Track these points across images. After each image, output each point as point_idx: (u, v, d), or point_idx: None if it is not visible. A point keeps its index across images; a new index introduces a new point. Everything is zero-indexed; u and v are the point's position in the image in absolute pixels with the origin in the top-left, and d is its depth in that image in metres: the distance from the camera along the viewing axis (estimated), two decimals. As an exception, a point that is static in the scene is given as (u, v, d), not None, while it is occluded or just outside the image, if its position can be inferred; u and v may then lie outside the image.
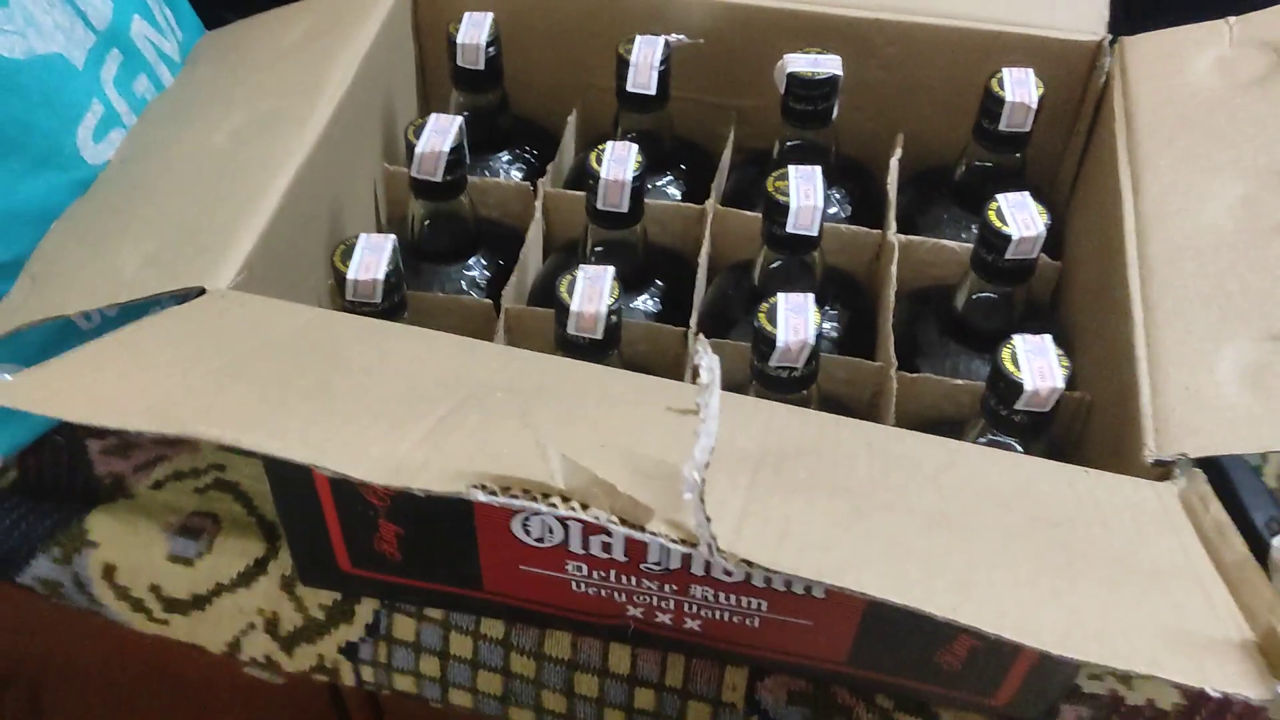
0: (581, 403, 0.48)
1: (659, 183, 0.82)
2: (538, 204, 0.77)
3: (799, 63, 0.72)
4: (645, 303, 0.74)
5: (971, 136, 0.73)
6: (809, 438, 0.48)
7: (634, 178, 0.67)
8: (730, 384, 0.58)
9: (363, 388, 0.49)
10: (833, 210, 0.80)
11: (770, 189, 0.66)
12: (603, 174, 0.67)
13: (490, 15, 0.77)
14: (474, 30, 0.76)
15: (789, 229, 0.65)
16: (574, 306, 0.59)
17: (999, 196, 0.64)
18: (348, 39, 0.76)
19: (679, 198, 0.82)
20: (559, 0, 0.82)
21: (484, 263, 0.75)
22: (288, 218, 0.65)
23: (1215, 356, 0.54)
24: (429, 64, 0.88)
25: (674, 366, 0.70)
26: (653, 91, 0.74)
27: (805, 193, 0.65)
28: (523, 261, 0.74)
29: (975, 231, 0.65)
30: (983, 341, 0.69)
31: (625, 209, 0.68)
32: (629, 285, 0.74)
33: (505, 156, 0.83)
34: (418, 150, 0.68)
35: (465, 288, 0.74)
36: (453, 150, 0.68)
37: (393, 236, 0.61)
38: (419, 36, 0.85)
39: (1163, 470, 0.50)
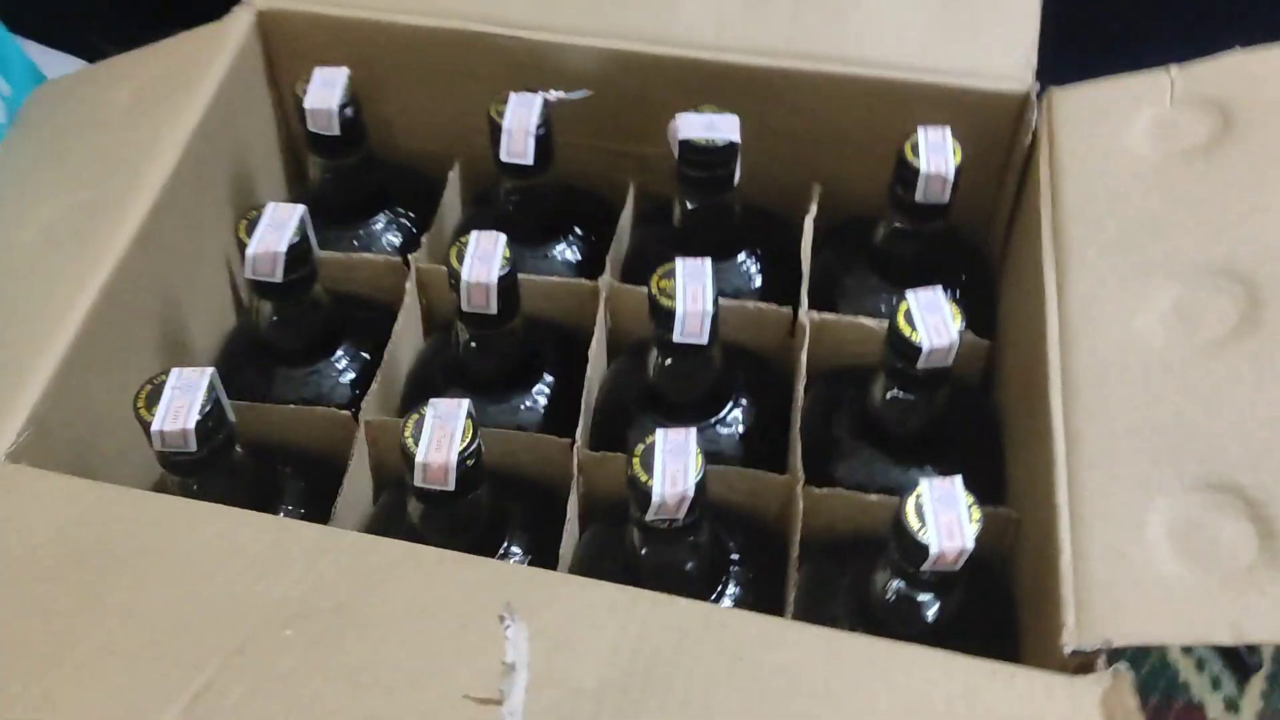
0: (383, 640, 0.40)
1: (551, 250, 0.74)
2: (409, 284, 0.69)
3: (692, 127, 0.64)
4: (527, 402, 0.66)
5: (888, 202, 0.65)
6: (667, 651, 0.41)
7: (501, 276, 0.59)
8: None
9: (113, 640, 0.40)
10: (742, 278, 0.72)
11: (654, 290, 0.58)
12: (464, 276, 0.59)
13: (344, 71, 0.68)
14: (325, 92, 0.67)
15: (675, 338, 0.57)
16: (419, 456, 0.51)
17: (909, 295, 0.56)
18: (179, 102, 0.66)
19: (575, 263, 0.74)
20: (431, 41, 0.73)
21: (348, 359, 0.67)
22: (97, 341, 0.56)
23: (1144, 510, 0.47)
24: (291, 118, 0.79)
25: (560, 479, 0.63)
26: (529, 161, 0.66)
27: (693, 295, 0.57)
28: (389, 359, 0.66)
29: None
30: (899, 447, 0.62)
31: (494, 310, 0.60)
32: (510, 381, 0.67)
33: (380, 221, 0.75)
34: (249, 252, 0.59)
35: (323, 392, 0.66)
36: (291, 248, 0.60)
37: (210, 370, 0.53)
38: (275, 87, 0.76)
39: (1083, 660, 0.44)
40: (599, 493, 0.64)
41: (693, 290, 0.58)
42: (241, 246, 0.60)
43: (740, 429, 0.65)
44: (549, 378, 0.68)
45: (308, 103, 0.66)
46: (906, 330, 0.55)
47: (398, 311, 0.68)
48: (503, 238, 0.60)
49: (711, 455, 0.59)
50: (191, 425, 0.51)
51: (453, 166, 0.76)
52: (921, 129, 0.62)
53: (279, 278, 0.60)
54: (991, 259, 0.73)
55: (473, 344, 0.64)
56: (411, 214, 0.76)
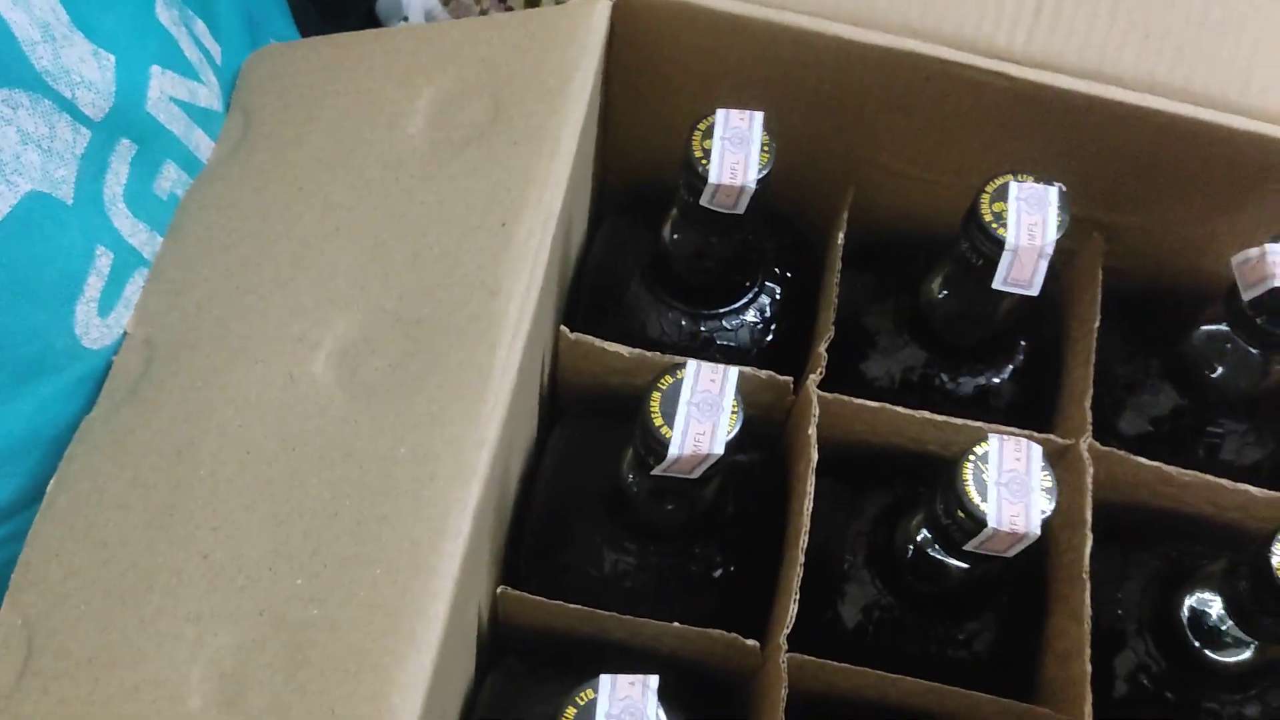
0: None
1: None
2: (813, 413, 0.49)
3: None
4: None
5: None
6: None
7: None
8: None
9: None
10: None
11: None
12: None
13: (759, 120, 0.45)
14: (737, 157, 0.45)
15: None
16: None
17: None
18: (539, 128, 0.44)
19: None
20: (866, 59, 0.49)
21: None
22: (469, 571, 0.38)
23: None
24: (610, 152, 0.56)
25: None
26: (1035, 291, 0.45)
27: None
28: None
29: None
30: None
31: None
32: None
33: (750, 313, 0.54)
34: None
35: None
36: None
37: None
38: (607, 98, 0.53)
39: None
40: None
41: None
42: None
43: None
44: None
45: (715, 175, 0.44)
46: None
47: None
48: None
49: None
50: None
51: (840, 224, 0.54)
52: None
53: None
54: None
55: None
56: (788, 276, 0.55)
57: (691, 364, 0.41)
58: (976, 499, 0.40)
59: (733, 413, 0.41)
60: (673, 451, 0.40)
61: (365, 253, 0.44)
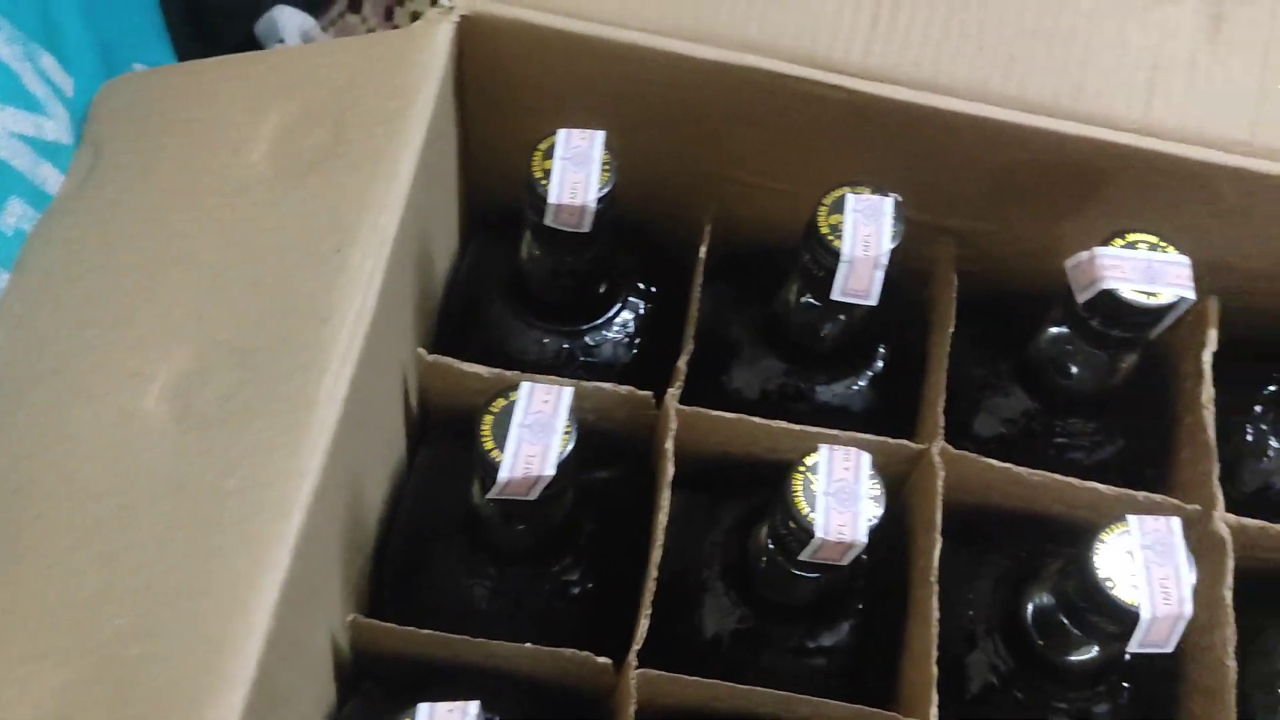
0: None
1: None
2: (670, 427, 0.49)
3: (1125, 275, 0.44)
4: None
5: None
6: None
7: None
8: None
9: None
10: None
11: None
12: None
13: (600, 139, 0.46)
14: (577, 176, 0.45)
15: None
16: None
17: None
18: (379, 152, 0.45)
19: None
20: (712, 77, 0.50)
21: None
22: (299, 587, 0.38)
23: None
24: (474, 172, 0.56)
25: None
26: (873, 300, 0.45)
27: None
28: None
29: None
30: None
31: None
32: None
33: (612, 329, 0.54)
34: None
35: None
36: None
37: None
38: (463, 120, 0.53)
39: None
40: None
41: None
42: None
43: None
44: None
45: (554, 195, 0.45)
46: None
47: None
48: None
49: None
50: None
51: (703, 238, 0.55)
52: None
53: (533, 495, 0.41)
54: None
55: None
56: (652, 291, 0.56)
57: (525, 385, 0.42)
58: (805, 509, 0.40)
59: (565, 433, 0.41)
60: (503, 475, 0.40)
61: (204, 283, 0.44)
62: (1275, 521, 0.49)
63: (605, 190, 0.46)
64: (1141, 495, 0.50)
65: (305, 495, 0.38)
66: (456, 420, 0.56)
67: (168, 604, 0.37)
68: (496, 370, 0.50)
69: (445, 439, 0.54)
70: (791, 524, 0.40)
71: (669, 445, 0.49)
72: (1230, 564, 0.48)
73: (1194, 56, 0.47)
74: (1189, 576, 0.40)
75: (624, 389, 0.51)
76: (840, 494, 0.40)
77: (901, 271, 0.57)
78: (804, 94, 0.48)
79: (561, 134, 0.46)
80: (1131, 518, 0.41)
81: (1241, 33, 0.48)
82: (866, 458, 0.41)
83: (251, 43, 0.73)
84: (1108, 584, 0.40)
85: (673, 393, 0.51)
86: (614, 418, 0.52)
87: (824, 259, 0.45)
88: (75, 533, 0.40)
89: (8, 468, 0.43)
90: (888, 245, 0.45)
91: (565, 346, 0.54)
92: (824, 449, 0.41)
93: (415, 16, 0.81)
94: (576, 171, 0.46)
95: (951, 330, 0.52)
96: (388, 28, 0.79)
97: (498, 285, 0.55)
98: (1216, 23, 0.48)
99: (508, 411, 0.41)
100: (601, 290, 0.54)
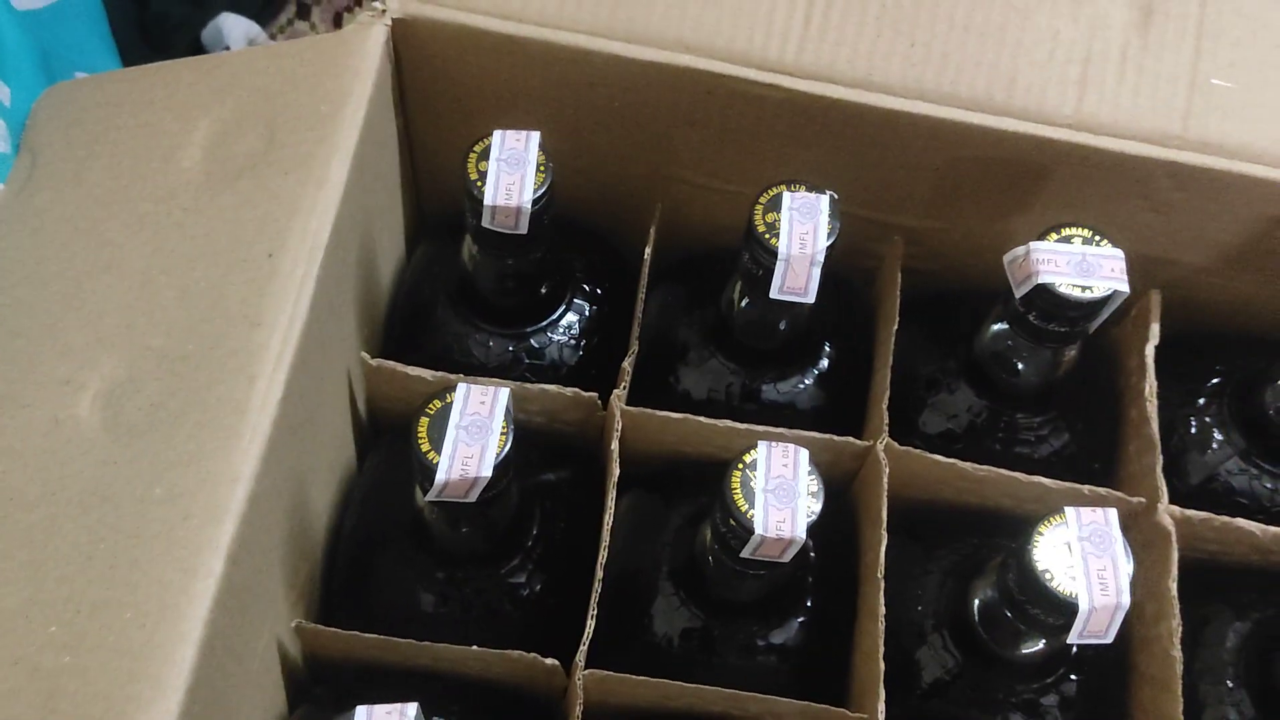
0: None
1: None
2: (616, 427, 0.49)
3: (1060, 270, 0.44)
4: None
5: None
6: None
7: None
8: None
9: None
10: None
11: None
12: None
13: (535, 139, 0.45)
14: (512, 178, 0.45)
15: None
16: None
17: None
18: (309, 156, 0.44)
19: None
20: (642, 77, 0.50)
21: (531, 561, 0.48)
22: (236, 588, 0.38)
23: None
24: (424, 166, 0.56)
25: None
26: (809, 298, 0.45)
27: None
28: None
29: None
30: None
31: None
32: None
33: (559, 331, 0.54)
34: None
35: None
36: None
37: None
38: (404, 115, 0.53)
39: None
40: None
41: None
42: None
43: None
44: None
45: (490, 197, 0.44)
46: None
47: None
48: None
49: None
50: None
51: (648, 239, 0.54)
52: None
53: (471, 497, 0.41)
54: None
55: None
56: (599, 291, 0.55)
57: (461, 387, 0.41)
58: (745, 506, 0.40)
59: (502, 434, 0.41)
60: (440, 477, 0.39)
61: (134, 290, 0.43)
62: (1219, 513, 0.50)
63: (541, 191, 0.45)
64: (1087, 489, 0.50)
65: (238, 501, 0.37)
66: (404, 424, 0.55)
67: (90, 615, 0.37)
68: (441, 374, 0.50)
69: (392, 443, 0.54)
70: (732, 522, 0.40)
71: (615, 446, 0.49)
72: (1175, 556, 0.48)
73: (1125, 49, 0.48)
74: (1126, 567, 0.40)
75: (569, 391, 0.50)
76: (779, 490, 0.40)
77: (853, 270, 0.57)
78: (742, 93, 0.48)
79: (497, 135, 0.46)
80: (1069, 510, 0.41)
81: (1172, 25, 0.48)
82: (805, 453, 0.41)
83: (198, 50, 0.72)
84: (1046, 576, 0.40)
85: (618, 394, 0.50)
86: (565, 419, 0.52)
87: (761, 258, 0.45)
88: (3, 542, 0.39)
89: (-63, 481, 0.42)
90: (824, 243, 0.45)
91: (510, 349, 0.53)
92: (762, 445, 0.41)
93: (366, 24, 0.80)
94: (511, 173, 0.45)
95: (895, 327, 0.52)
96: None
97: (444, 288, 0.54)
98: (1146, 15, 0.48)
99: (444, 413, 0.40)
100: (545, 292, 0.53)
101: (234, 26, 0.70)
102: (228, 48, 0.70)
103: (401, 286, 0.58)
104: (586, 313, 0.55)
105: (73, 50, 0.64)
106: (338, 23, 0.79)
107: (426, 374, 0.50)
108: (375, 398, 0.54)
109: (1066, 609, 0.40)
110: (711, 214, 0.57)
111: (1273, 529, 0.49)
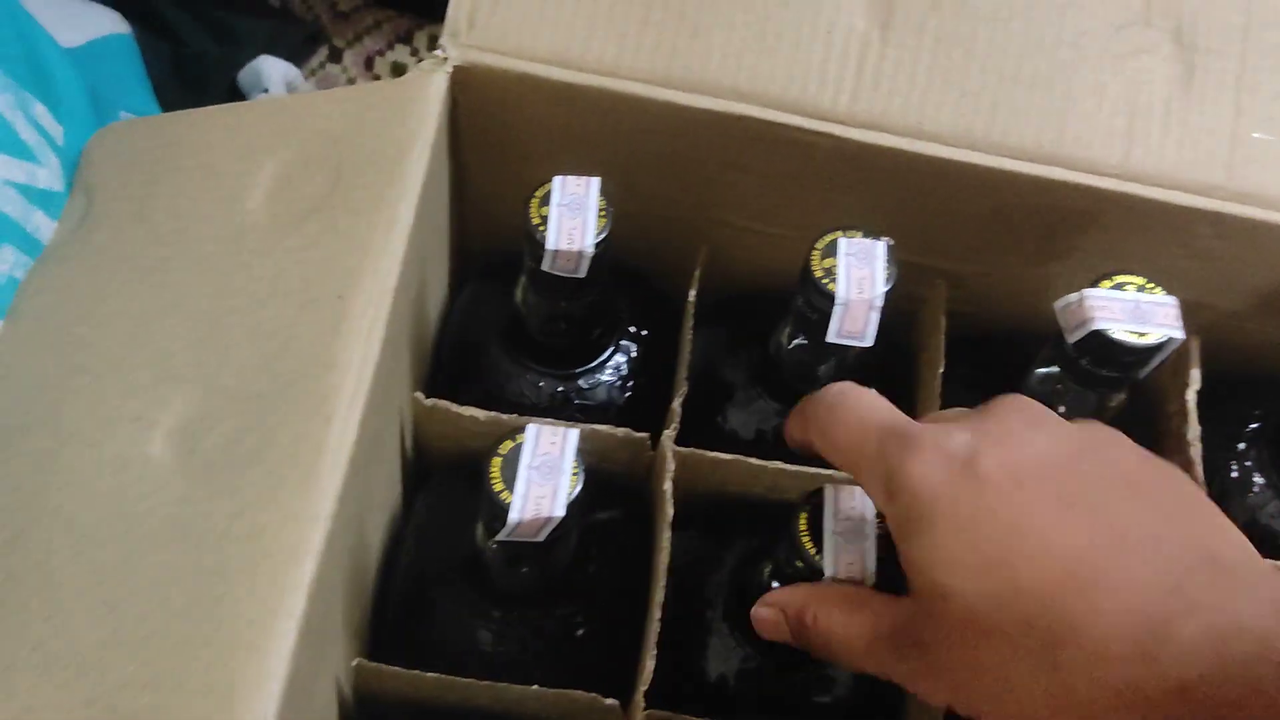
0: None
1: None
2: (668, 468, 0.50)
3: (1115, 316, 0.45)
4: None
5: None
6: None
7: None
8: None
9: None
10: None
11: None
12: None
13: (595, 186, 0.46)
14: (574, 223, 0.46)
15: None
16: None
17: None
18: (377, 202, 0.45)
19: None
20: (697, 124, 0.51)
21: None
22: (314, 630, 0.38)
23: None
24: (467, 218, 0.57)
25: None
26: (867, 342, 0.46)
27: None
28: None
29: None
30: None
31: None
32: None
33: (606, 372, 0.55)
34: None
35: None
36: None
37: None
38: (456, 158, 0.54)
39: None
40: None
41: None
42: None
43: None
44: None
45: (552, 242, 0.45)
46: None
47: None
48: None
49: None
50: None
51: (693, 281, 0.55)
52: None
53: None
54: None
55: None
56: (644, 332, 0.56)
57: (531, 427, 0.42)
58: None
59: (573, 474, 0.41)
60: (513, 516, 0.40)
61: (202, 329, 0.44)
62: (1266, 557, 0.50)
63: (602, 236, 0.46)
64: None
65: (317, 540, 0.38)
66: (451, 463, 0.56)
67: (174, 652, 0.37)
68: (493, 414, 0.50)
69: (446, 482, 0.54)
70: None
71: (667, 486, 0.49)
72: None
73: (1169, 103, 0.49)
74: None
75: (620, 431, 0.51)
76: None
77: (892, 313, 0.58)
78: (793, 140, 0.50)
79: (557, 180, 0.47)
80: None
81: (1213, 80, 0.50)
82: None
83: (235, 92, 0.73)
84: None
85: (668, 434, 0.51)
86: (613, 459, 0.52)
87: (818, 302, 0.46)
88: (77, 581, 0.39)
89: (1, 519, 0.42)
90: (882, 288, 0.45)
91: (560, 389, 0.54)
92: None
93: (396, 67, 0.81)
94: (573, 218, 0.46)
95: (941, 370, 0.53)
96: (368, 77, 0.80)
97: (493, 329, 0.55)
98: (1189, 71, 0.50)
99: (515, 453, 0.41)
100: (596, 334, 0.54)
101: (273, 69, 0.70)
102: (266, 90, 0.70)
103: (448, 326, 0.58)
104: (633, 353, 0.56)
105: (114, 89, 0.65)
106: (369, 65, 0.80)
107: (479, 414, 0.50)
108: (423, 437, 0.54)
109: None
110: (754, 256, 0.58)
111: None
